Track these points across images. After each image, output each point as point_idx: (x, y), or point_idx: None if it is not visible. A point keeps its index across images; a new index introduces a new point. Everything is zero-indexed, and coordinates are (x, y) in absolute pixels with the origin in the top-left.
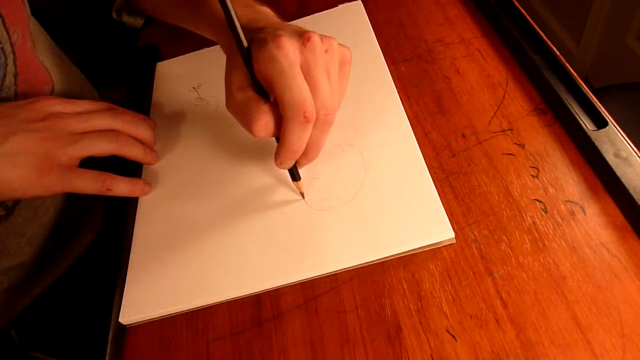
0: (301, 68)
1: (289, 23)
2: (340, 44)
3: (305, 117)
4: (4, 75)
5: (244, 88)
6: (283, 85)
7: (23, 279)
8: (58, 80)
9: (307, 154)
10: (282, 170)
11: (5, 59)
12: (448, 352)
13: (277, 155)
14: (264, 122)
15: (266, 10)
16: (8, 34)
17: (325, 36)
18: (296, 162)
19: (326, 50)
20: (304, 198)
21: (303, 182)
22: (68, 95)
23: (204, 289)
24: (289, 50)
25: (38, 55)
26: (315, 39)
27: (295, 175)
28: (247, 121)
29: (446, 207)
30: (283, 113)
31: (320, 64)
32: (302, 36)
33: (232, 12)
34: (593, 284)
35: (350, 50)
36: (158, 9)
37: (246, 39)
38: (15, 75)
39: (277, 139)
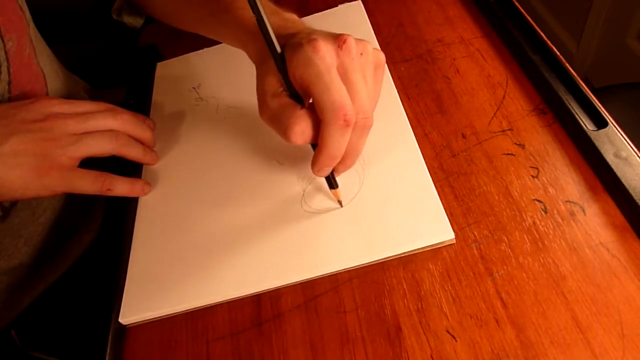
0: (338, 71)
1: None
2: (374, 48)
3: (345, 120)
4: None
5: (278, 94)
6: (321, 88)
7: (22, 279)
8: (53, 86)
9: (345, 160)
10: (281, 170)
11: None
12: (448, 352)
13: (315, 161)
14: (302, 128)
15: (294, 17)
16: (3, 41)
17: (360, 40)
18: (333, 170)
19: (361, 54)
20: (342, 206)
21: (340, 189)
22: None
23: (204, 289)
24: (325, 53)
25: (39, 61)
26: (351, 41)
27: (332, 183)
28: (283, 128)
29: (446, 207)
30: (322, 117)
31: (356, 66)
32: (338, 39)
33: (264, 17)
34: (593, 284)
35: (384, 54)
36: (175, 16)
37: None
38: (9, 83)
39: (313, 146)
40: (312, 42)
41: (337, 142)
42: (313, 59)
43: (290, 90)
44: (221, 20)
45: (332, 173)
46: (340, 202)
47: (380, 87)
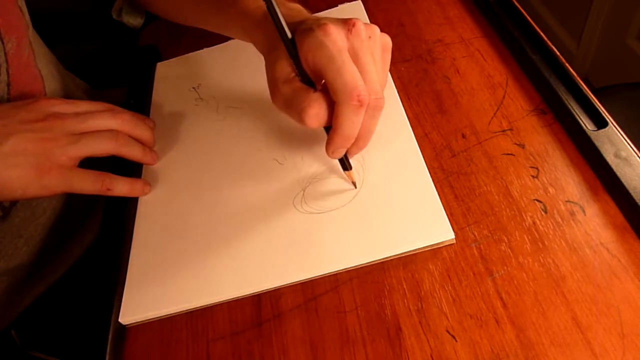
0: (349, 54)
1: None
2: (381, 32)
3: (359, 100)
4: None
5: (290, 80)
6: (334, 70)
7: (22, 280)
8: (51, 87)
9: (358, 141)
10: (281, 170)
11: None
12: (448, 352)
13: (329, 143)
14: (316, 111)
15: (298, 7)
16: (2, 43)
17: (368, 24)
18: (347, 152)
19: (369, 37)
20: (355, 187)
21: (354, 171)
22: None
23: (204, 289)
24: (336, 36)
25: (37, 62)
26: (360, 25)
27: (346, 165)
28: (297, 112)
29: (446, 207)
30: (335, 98)
31: (366, 49)
32: (347, 22)
33: (274, 3)
34: (593, 284)
35: (390, 38)
36: (177, 12)
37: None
38: (9, 85)
39: (326, 130)
40: (323, 26)
41: (351, 122)
42: (325, 42)
43: (302, 74)
44: (226, 13)
45: (345, 155)
46: (354, 184)
47: (388, 69)
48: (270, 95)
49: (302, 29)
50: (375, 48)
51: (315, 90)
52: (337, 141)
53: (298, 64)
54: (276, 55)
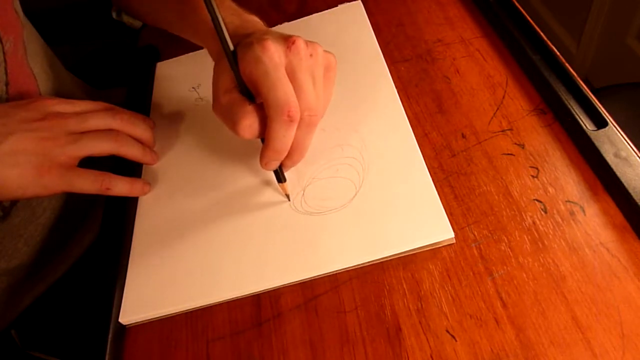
0: (286, 71)
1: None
2: (325, 50)
3: (289, 116)
4: None
5: (230, 90)
6: (267, 85)
7: (22, 280)
8: (45, 86)
9: (292, 155)
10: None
11: None
12: (448, 352)
13: (262, 155)
14: (249, 123)
15: (254, 19)
16: (1, 42)
17: (310, 41)
18: (281, 164)
19: (311, 55)
20: (289, 200)
21: (289, 184)
22: None
23: (204, 289)
24: (273, 52)
25: (29, 61)
26: (300, 42)
27: (280, 177)
28: (232, 122)
29: (446, 207)
30: (267, 113)
31: (304, 66)
32: (287, 40)
33: (219, 16)
34: (593, 284)
35: (335, 57)
36: (149, 15)
37: (233, 44)
38: (7, 84)
39: (263, 141)
40: (262, 41)
41: (282, 136)
42: (262, 57)
43: (242, 86)
44: (188, 19)
45: (280, 167)
46: (287, 196)
47: (332, 88)
48: (212, 103)
49: (245, 42)
50: (316, 67)
51: (252, 102)
52: (268, 154)
53: (238, 76)
54: (222, 65)
